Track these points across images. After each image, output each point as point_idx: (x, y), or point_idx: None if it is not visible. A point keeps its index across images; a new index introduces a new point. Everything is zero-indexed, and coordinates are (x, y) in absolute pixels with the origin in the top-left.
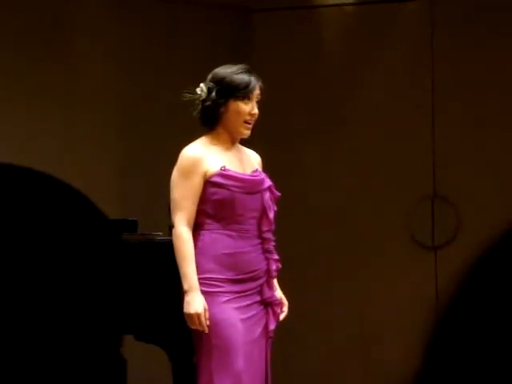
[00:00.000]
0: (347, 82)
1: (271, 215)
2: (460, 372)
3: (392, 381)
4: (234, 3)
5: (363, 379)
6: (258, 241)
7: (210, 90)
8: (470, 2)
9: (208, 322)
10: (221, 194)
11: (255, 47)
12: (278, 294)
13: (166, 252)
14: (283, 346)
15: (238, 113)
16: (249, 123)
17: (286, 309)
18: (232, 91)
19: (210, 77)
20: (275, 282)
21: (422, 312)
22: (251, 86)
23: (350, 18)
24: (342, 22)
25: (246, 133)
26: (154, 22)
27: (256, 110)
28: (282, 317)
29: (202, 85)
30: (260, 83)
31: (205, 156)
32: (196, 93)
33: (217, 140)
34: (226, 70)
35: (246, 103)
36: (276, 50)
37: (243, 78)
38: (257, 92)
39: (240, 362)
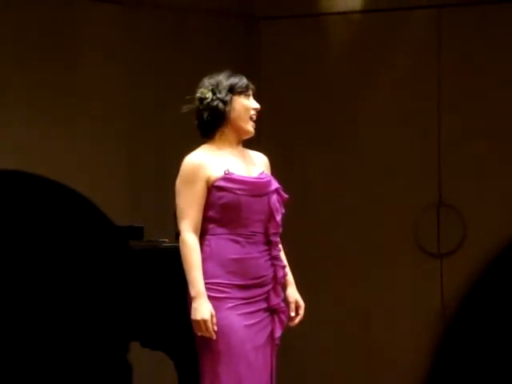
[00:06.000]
0: (353, 91)
1: (278, 218)
2: (466, 378)
3: None
4: (241, 11)
5: None
6: (266, 247)
7: (213, 91)
8: (478, 10)
9: (215, 328)
10: (226, 197)
11: (262, 55)
12: (295, 295)
13: (172, 258)
14: (291, 347)
15: (244, 108)
16: (253, 120)
17: (301, 311)
18: (233, 88)
19: (204, 83)
20: (293, 283)
21: (428, 319)
22: (246, 81)
23: (356, 26)
24: (348, 30)
25: (252, 130)
26: (162, 29)
27: (258, 105)
28: (297, 320)
29: (202, 90)
30: (250, 84)
31: (206, 161)
32: (195, 102)
33: (220, 144)
34: (216, 77)
35: (247, 99)
36: (283, 57)
37: (236, 78)
38: (252, 89)
39: (242, 369)
